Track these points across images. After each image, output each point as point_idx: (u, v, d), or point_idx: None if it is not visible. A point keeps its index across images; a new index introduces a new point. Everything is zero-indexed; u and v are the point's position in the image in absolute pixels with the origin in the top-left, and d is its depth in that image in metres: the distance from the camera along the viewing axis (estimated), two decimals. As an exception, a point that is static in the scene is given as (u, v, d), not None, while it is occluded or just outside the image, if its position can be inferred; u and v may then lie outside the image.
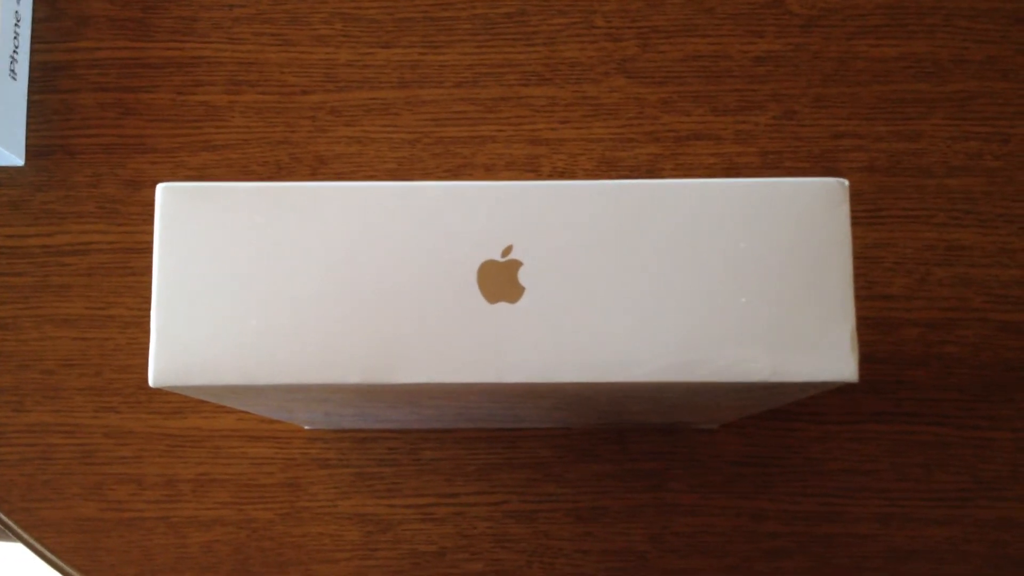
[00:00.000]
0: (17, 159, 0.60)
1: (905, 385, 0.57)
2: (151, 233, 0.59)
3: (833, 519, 0.56)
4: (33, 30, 0.62)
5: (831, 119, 0.60)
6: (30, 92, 0.61)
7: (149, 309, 0.58)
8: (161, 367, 0.33)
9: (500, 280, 0.34)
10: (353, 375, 0.33)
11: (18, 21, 0.60)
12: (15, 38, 0.60)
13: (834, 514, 0.56)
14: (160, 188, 0.34)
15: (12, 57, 0.60)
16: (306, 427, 0.57)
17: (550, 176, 0.60)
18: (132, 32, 0.62)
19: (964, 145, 0.59)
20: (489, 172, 0.60)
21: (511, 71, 0.61)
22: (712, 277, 0.34)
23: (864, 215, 0.59)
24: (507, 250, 0.34)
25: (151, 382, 0.33)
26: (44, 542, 0.56)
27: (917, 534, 0.56)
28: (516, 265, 0.34)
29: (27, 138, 0.61)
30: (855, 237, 0.54)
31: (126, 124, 0.61)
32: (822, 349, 0.33)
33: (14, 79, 0.60)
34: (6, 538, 0.62)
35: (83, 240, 0.59)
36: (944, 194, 0.59)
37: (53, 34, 0.62)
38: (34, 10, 0.62)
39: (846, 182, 0.34)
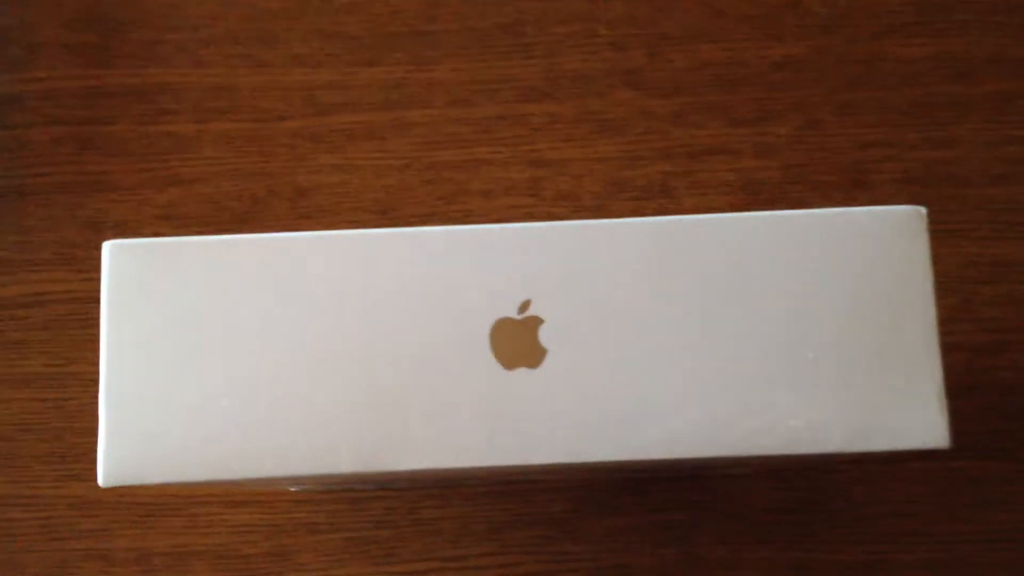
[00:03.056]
0: (-37, 202, 0.54)
1: (953, 416, 0.52)
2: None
3: (880, 568, 0.51)
4: (-22, 59, 0.56)
5: (858, 127, 0.55)
6: (-24, 128, 0.56)
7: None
8: (112, 463, 0.28)
9: (518, 341, 0.28)
10: (345, 463, 0.28)
11: (-40, 50, 0.55)
12: (-43, 69, 0.54)
13: (881, 563, 0.51)
14: (107, 247, 0.29)
15: (-46, 90, 0.54)
16: (293, 489, 0.52)
17: (553, 200, 0.54)
18: (88, 59, 0.57)
19: (1004, 151, 0.54)
20: (487, 198, 0.54)
21: (507, 87, 0.56)
22: (770, 328, 0.28)
23: (900, 232, 0.54)
24: (525, 305, 0.28)
25: (100, 481, 0.28)
26: (4, 631, 0.51)
27: (974, 582, 0.51)
28: (536, 323, 0.28)
29: (-26, 179, 0.55)
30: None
31: (84, 160, 0.55)
32: (905, 411, 0.28)
33: (-43, 114, 0.54)
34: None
35: (39, 290, 0.54)
36: (986, 205, 0.54)
37: (1, 64, 0.56)
38: (-21, 37, 0.57)
39: (923, 210, 0.29)
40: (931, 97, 0.55)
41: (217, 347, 0.28)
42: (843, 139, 0.55)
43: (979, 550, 0.51)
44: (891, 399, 0.28)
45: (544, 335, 0.28)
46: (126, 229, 0.54)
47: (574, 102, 0.56)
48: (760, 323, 0.28)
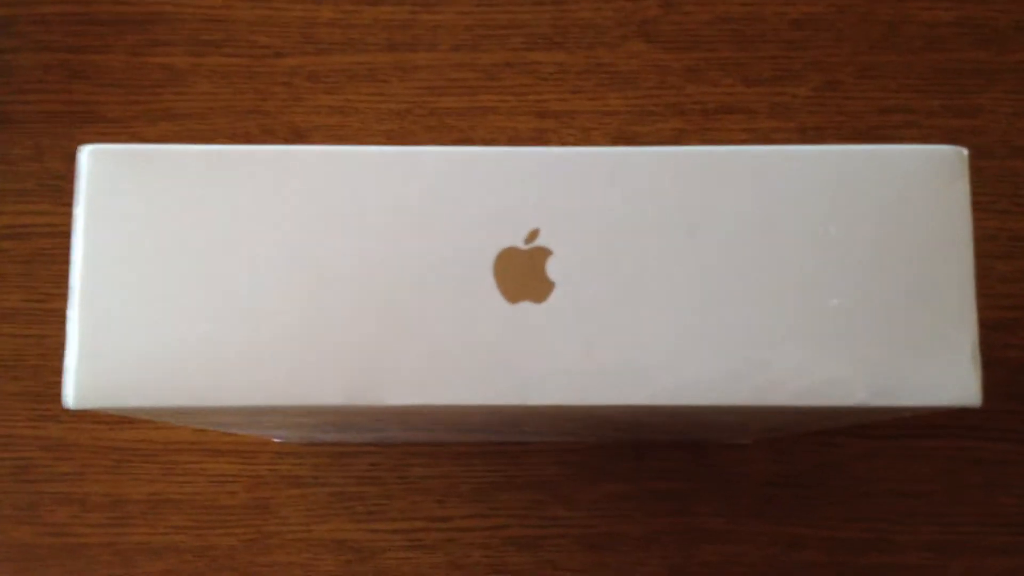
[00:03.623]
0: (-56, 128, 0.52)
1: (961, 395, 0.50)
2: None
3: (880, 547, 0.50)
4: (-35, -20, 0.54)
5: (879, 91, 0.53)
6: (-39, 51, 0.53)
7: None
8: (84, 384, 0.26)
9: (523, 273, 0.26)
10: (333, 395, 0.26)
11: (-54, -32, 0.52)
12: (-58, -12, 0.52)
13: (881, 542, 0.50)
14: (85, 152, 0.27)
15: (-61, 9, 0.52)
16: (276, 440, 0.50)
17: (558, 154, 0.52)
18: (80, -16, 0.54)
19: (1029, 123, 0.53)
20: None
21: (515, 33, 0.54)
22: (795, 272, 0.26)
23: (917, 201, 0.52)
24: (532, 235, 0.26)
25: (70, 403, 0.26)
26: (-30, 573, 0.49)
27: (976, 564, 0.49)
28: (544, 254, 0.26)
29: (-43, 104, 0.53)
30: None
31: (73, 89, 0.53)
32: (935, 365, 0.26)
33: (-59, 35, 0.52)
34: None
35: (22, 222, 0.52)
36: (1007, 177, 0.52)
37: (-12, -15, 0.54)
38: (-33, -43, 0.54)
39: (964, 150, 0.27)
40: (955, 63, 0.53)
41: (200, 266, 0.26)
42: (862, 102, 0.53)
43: (984, 532, 0.50)
44: (920, 352, 0.26)
45: (552, 268, 0.26)
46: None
47: (584, 52, 0.53)
48: (784, 265, 0.26)
